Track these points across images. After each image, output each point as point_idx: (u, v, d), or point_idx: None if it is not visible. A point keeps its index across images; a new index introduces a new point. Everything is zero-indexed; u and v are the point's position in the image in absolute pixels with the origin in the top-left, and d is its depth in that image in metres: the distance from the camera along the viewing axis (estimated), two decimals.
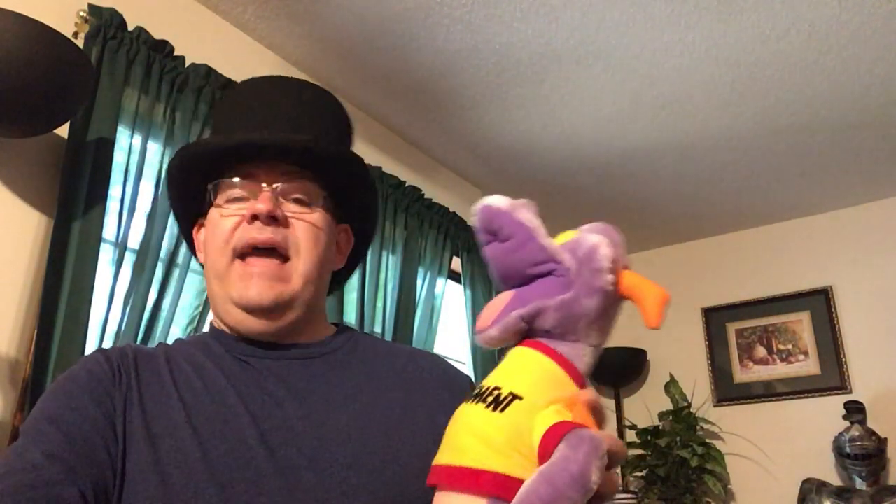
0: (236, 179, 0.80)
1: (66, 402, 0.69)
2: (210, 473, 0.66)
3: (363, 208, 0.90)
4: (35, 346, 1.53)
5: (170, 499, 0.65)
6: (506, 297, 0.58)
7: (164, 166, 1.83)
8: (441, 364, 0.88)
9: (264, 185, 0.78)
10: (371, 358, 0.84)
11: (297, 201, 0.80)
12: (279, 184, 0.79)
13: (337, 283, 0.94)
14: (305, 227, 0.79)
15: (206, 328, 0.87)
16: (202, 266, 0.85)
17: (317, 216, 0.80)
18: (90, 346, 1.60)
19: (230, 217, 0.78)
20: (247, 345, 0.79)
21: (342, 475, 0.69)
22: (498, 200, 0.58)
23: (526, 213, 0.58)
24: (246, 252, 0.77)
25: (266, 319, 0.77)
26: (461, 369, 0.91)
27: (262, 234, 0.76)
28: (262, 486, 0.66)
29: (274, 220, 0.76)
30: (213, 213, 0.81)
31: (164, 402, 0.72)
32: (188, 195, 0.84)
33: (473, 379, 0.99)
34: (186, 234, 0.89)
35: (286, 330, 0.79)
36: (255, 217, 0.76)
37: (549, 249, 0.57)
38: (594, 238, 0.57)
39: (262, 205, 0.76)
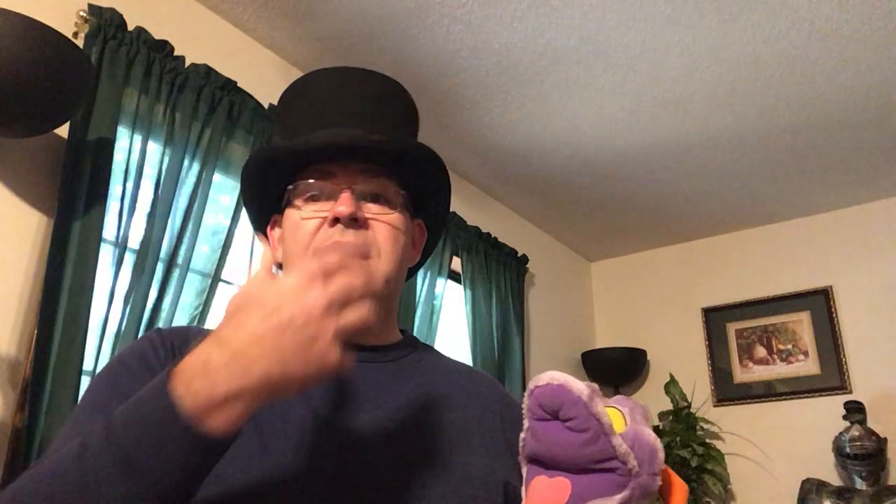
0: (312, 181, 0.79)
1: (113, 389, 0.68)
2: (267, 471, 0.65)
3: (437, 203, 0.89)
4: (35, 346, 1.53)
5: (225, 497, 0.64)
6: (561, 489, 0.57)
7: (165, 166, 1.84)
8: (497, 392, 0.88)
9: (344, 185, 0.77)
10: (432, 372, 0.84)
11: (377, 201, 0.79)
12: (357, 184, 0.78)
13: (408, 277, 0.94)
14: (386, 228, 0.78)
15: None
16: (278, 266, 0.85)
17: (396, 216, 0.79)
18: (90, 346, 1.60)
19: (311, 220, 0.78)
20: None
21: (393, 486, 0.69)
22: (575, 385, 0.57)
23: (601, 406, 0.57)
24: None
25: None
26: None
27: (343, 237, 0.75)
28: (318, 488, 0.66)
29: (354, 221, 0.76)
30: (292, 213, 0.80)
31: None
32: (264, 194, 0.84)
33: None
34: (262, 230, 0.88)
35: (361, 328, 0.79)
36: (336, 220, 0.75)
37: (619, 450, 0.56)
38: (650, 435, 0.57)
39: (343, 207, 0.75)
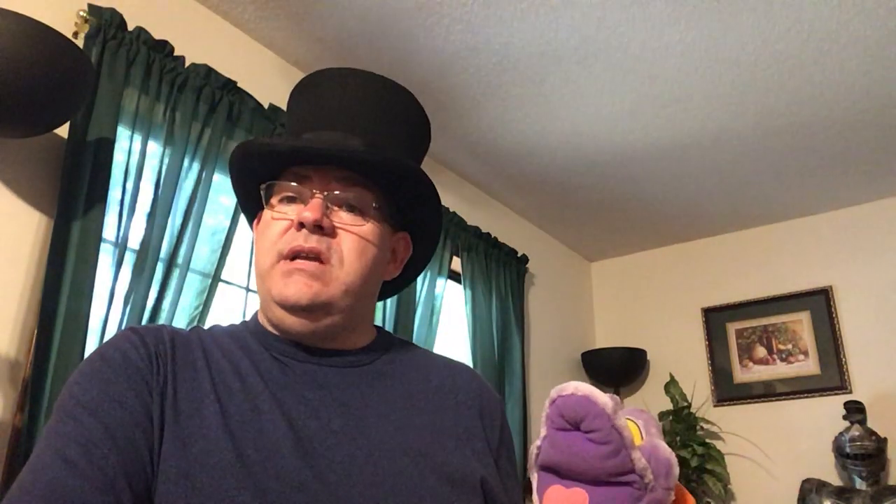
0: (286, 183, 0.80)
1: (103, 390, 0.67)
2: (243, 481, 0.65)
3: (423, 217, 0.88)
4: (35, 346, 1.53)
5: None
6: (578, 500, 0.57)
7: (165, 166, 1.84)
8: (476, 386, 0.87)
9: (315, 191, 0.78)
10: (408, 372, 0.84)
11: (350, 209, 0.79)
12: (331, 190, 0.78)
13: (394, 290, 0.93)
14: (352, 238, 0.78)
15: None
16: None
17: (367, 228, 0.79)
18: (90, 346, 1.60)
19: (280, 220, 0.78)
20: (288, 345, 0.79)
21: (369, 493, 0.68)
22: (599, 397, 0.57)
23: (623, 419, 0.58)
24: (290, 256, 0.77)
25: (304, 319, 0.76)
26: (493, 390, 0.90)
27: (307, 242, 0.76)
28: (294, 497, 0.66)
29: (320, 228, 0.76)
30: (266, 213, 0.81)
31: (200, 399, 0.70)
32: (249, 190, 0.85)
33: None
34: (251, 225, 0.90)
35: (324, 333, 0.78)
36: (302, 225, 0.76)
37: (638, 464, 0.56)
38: (666, 450, 0.58)
39: (308, 213, 0.75)
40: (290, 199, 0.80)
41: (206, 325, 0.84)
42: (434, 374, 0.85)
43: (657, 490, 0.56)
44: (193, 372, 0.73)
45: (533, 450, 0.63)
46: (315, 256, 0.76)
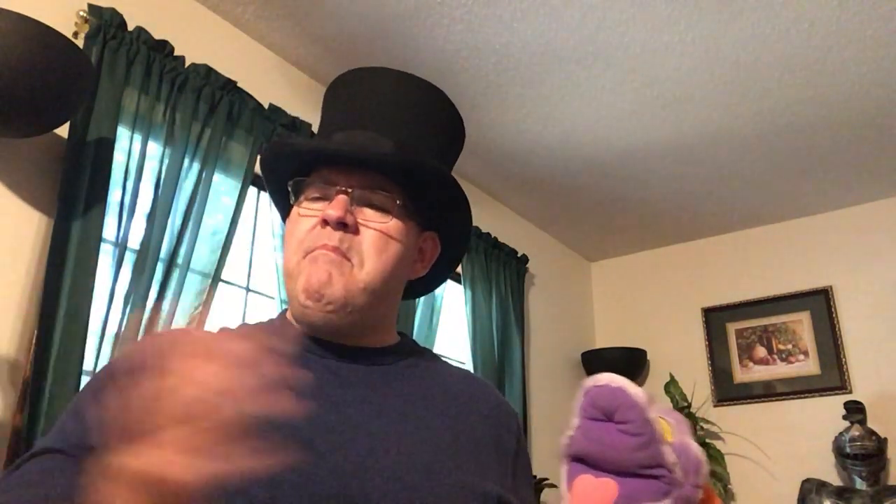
0: (312, 181, 0.81)
1: (94, 394, 0.70)
2: (251, 481, 0.66)
3: (451, 217, 0.88)
4: (35, 346, 1.53)
5: (214, 499, 0.64)
6: (608, 490, 0.57)
7: (165, 166, 1.84)
8: (494, 397, 0.88)
9: (340, 188, 0.78)
10: (428, 377, 0.84)
11: (375, 207, 0.79)
12: (356, 189, 0.78)
13: (423, 290, 0.94)
14: (375, 235, 0.78)
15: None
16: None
17: (391, 225, 0.79)
18: (90, 346, 1.60)
19: (307, 218, 0.79)
20: (311, 341, 0.79)
21: (385, 487, 0.69)
22: (633, 389, 0.57)
23: (655, 413, 0.58)
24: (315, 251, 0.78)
25: (324, 312, 0.76)
26: (509, 402, 0.91)
27: (331, 240, 0.76)
28: (308, 490, 0.66)
29: (344, 226, 0.77)
30: (293, 211, 0.82)
31: None
32: (280, 188, 0.86)
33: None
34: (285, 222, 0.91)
35: (346, 329, 0.79)
36: (326, 222, 0.77)
37: (668, 458, 0.56)
38: (696, 448, 0.59)
39: (332, 211, 0.76)
40: (316, 199, 0.80)
41: (208, 326, 0.84)
42: (453, 384, 0.86)
43: (686, 486, 0.56)
44: None
45: (564, 440, 0.64)
46: (339, 252, 0.77)
